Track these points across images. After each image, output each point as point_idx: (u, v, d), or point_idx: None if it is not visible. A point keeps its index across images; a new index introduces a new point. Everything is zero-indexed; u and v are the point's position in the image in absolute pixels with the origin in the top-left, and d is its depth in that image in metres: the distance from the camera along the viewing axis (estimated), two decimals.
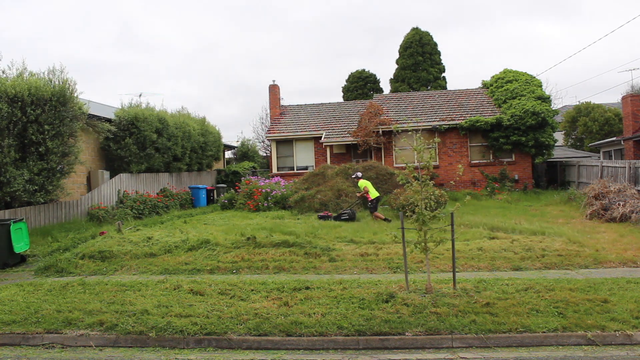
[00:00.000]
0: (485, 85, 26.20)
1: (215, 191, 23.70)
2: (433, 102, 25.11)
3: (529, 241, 9.95)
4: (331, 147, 23.72)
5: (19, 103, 11.97)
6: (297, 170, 24.47)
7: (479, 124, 21.87)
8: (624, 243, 10.00)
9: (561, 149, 29.03)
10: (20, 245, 10.25)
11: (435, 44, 37.14)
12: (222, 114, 67.65)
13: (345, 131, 23.84)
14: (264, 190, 18.55)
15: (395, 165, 22.17)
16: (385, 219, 13.70)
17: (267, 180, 20.48)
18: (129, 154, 17.49)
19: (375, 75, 41.06)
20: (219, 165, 29.11)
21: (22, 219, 10.58)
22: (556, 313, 5.88)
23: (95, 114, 16.65)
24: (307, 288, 7.15)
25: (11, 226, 10.01)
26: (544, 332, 5.46)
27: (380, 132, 22.37)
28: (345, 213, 14.15)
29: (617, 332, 5.40)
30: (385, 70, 78.63)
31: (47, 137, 12.58)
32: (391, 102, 25.76)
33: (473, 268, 8.38)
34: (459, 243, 9.66)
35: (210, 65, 71.35)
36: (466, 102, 24.47)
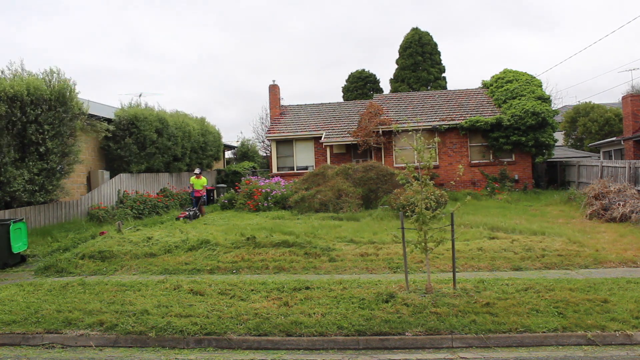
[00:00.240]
0: (485, 85, 26.20)
1: (215, 191, 23.70)
2: (433, 102, 25.11)
3: (529, 241, 9.95)
4: (331, 147, 23.72)
5: (18, 103, 11.96)
6: (297, 170, 24.47)
7: (479, 124, 21.87)
8: (624, 243, 10.00)
9: (561, 149, 29.03)
10: (18, 245, 10.24)
11: (435, 44, 37.13)
12: (223, 117, 70.22)
13: (345, 131, 23.84)
14: (264, 190, 18.55)
15: (395, 165, 22.17)
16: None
17: (267, 180, 20.49)
18: (128, 153, 17.49)
19: (375, 75, 41.06)
20: (219, 165, 29.11)
21: (22, 219, 10.58)
22: (556, 313, 5.88)
23: (95, 114, 16.65)
24: (307, 288, 7.15)
25: (11, 226, 10.01)
26: (544, 332, 5.46)
27: (380, 132, 22.37)
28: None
29: (617, 332, 5.40)
30: (385, 70, 79.37)
31: (46, 137, 12.58)
32: (391, 102, 25.76)
33: (473, 268, 8.38)
34: (459, 243, 9.66)
35: (212, 73, 73.67)
36: (466, 102, 24.47)
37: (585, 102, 33.42)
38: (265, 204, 18.00)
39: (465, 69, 67.50)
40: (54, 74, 13.41)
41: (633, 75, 55.93)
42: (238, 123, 62.28)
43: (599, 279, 7.35)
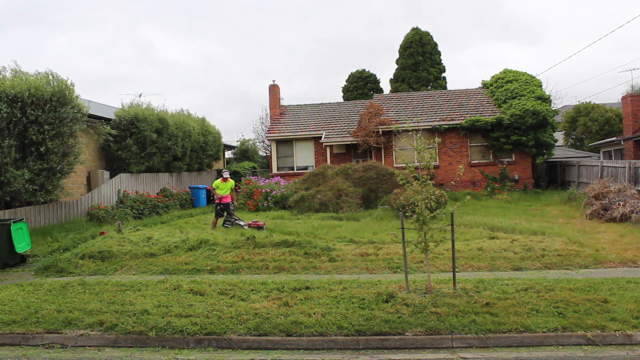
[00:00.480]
0: (485, 85, 26.21)
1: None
2: (433, 102, 25.11)
3: (529, 241, 9.94)
4: (331, 147, 23.72)
5: (19, 103, 11.97)
6: (297, 170, 24.47)
7: (479, 123, 21.87)
8: (624, 243, 9.99)
9: (561, 149, 29.03)
10: (21, 245, 10.26)
11: (436, 44, 37.13)
12: (224, 120, 72.49)
13: (345, 131, 23.84)
14: (263, 190, 18.55)
15: (395, 165, 22.18)
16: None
17: (267, 180, 20.50)
18: (129, 154, 17.49)
19: (375, 75, 41.06)
20: (219, 165, 29.10)
21: (23, 219, 10.59)
22: (556, 313, 5.88)
23: (96, 114, 16.65)
24: (307, 288, 7.15)
25: (11, 226, 10.01)
26: (544, 332, 5.46)
27: (380, 132, 22.37)
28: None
29: (617, 332, 5.40)
30: (385, 70, 79.81)
31: (47, 137, 12.58)
32: (391, 102, 25.77)
33: (473, 268, 8.38)
34: (459, 243, 9.66)
35: (215, 79, 75.54)
36: (466, 102, 24.47)
37: (586, 102, 33.43)
38: (265, 204, 18.00)
39: (458, 77, 67.96)
40: (50, 77, 13.38)
41: (633, 75, 55.97)
42: (238, 126, 63.87)
43: (599, 279, 7.35)
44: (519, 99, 22.19)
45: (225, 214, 13.38)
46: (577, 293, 6.53)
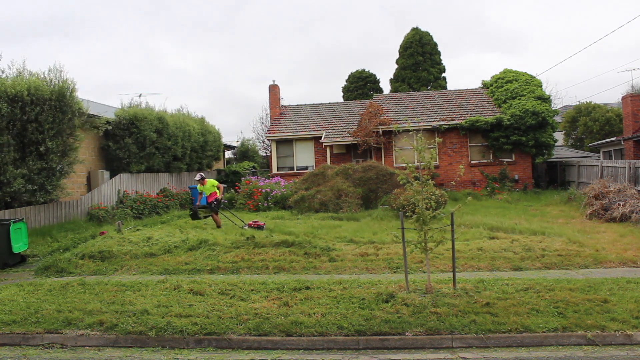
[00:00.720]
0: (485, 85, 26.20)
1: None
2: (433, 102, 25.11)
3: (529, 241, 9.94)
4: (331, 147, 23.72)
5: (19, 103, 11.96)
6: (297, 170, 24.47)
7: (479, 124, 21.87)
8: (624, 243, 9.99)
9: (561, 149, 29.03)
10: (18, 245, 10.24)
11: (436, 44, 37.12)
12: (225, 122, 74.61)
13: (345, 131, 23.84)
14: (264, 190, 18.55)
15: (395, 165, 22.18)
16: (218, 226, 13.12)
17: (267, 180, 20.49)
18: (128, 153, 17.49)
19: (375, 75, 41.04)
20: (219, 165, 29.10)
21: (22, 219, 10.58)
22: (556, 313, 5.88)
23: (96, 114, 16.65)
24: (307, 288, 7.15)
25: (11, 226, 10.01)
26: (544, 332, 5.46)
27: (380, 132, 22.37)
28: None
29: (617, 332, 5.40)
30: (385, 70, 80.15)
31: (46, 136, 12.58)
32: (391, 102, 25.76)
33: (473, 268, 8.38)
34: (459, 243, 9.66)
35: (216, 84, 78.69)
36: (466, 102, 24.47)
37: (586, 102, 33.43)
38: (265, 204, 18.00)
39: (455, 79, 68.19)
40: (57, 72, 13.40)
41: (633, 75, 55.99)
42: (238, 129, 65.04)
43: (599, 279, 7.35)
44: (519, 99, 22.20)
45: (217, 209, 13.78)
46: (577, 293, 6.53)
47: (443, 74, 37.34)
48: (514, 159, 22.35)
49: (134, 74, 79.35)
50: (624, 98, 24.02)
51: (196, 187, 21.55)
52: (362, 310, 6.15)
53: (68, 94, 13.36)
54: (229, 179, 26.18)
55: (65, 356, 5.59)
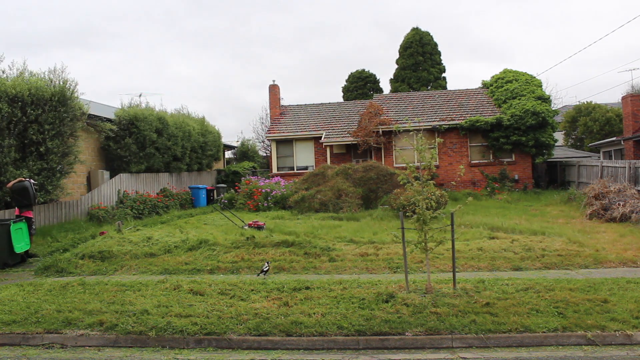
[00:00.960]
0: (485, 85, 26.21)
1: (215, 191, 23.70)
2: (433, 102, 25.12)
3: (529, 241, 9.94)
4: (331, 147, 23.72)
5: (19, 103, 11.96)
6: (297, 170, 24.47)
7: (479, 124, 21.88)
8: (624, 243, 10.00)
9: (561, 149, 29.03)
10: (20, 245, 10.25)
11: (436, 44, 37.14)
12: (225, 124, 76.41)
13: (345, 131, 23.85)
14: (264, 190, 18.55)
15: (395, 165, 22.18)
16: None
17: (267, 180, 20.50)
18: (128, 153, 17.49)
19: (375, 75, 41.07)
20: (219, 165, 29.11)
21: (22, 219, 10.58)
22: (556, 313, 5.88)
23: (96, 114, 16.65)
24: (307, 288, 7.15)
25: (11, 226, 10.01)
26: (544, 332, 5.46)
27: (380, 132, 22.38)
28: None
29: (617, 332, 5.40)
30: (385, 70, 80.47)
31: (47, 137, 12.58)
32: (391, 102, 25.77)
33: (473, 268, 8.38)
34: (459, 243, 9.65)
35: (218, 90, 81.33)
36: (466, 102, 24.48)
37: (587, 102, 33.43)
38: (265, 204, 18.00)
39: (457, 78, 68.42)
40: (57, 72, 13.41)
41: (633, 75, 55.99)
42: (238, 130, 66.21)
43: (599, 279, 7.35)
44: (519, 99, 22.20)
45: None
46: (577, 293, 6.53)
47: (443, 74, 37.35)
48: (514, 159, 22.36)
49: (142, 81, 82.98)
50: (623, 98, 24.02)
51: (197, 187, 21.76)
52: (362, 310, 6.15)
53: (69, 94, 13.36)
54: (229, 179, 26.20)
55: (65, 356, 5.59)
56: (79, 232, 12.69)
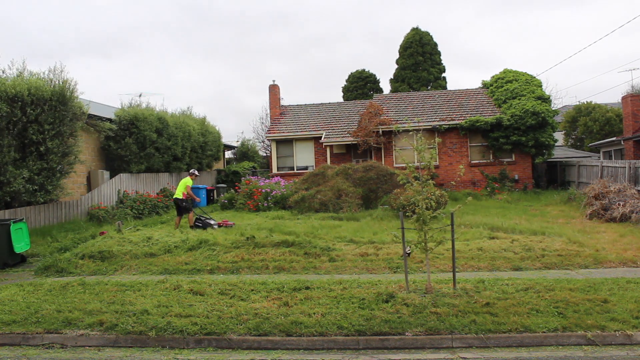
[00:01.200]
0: (485, 85, 26.20)
1: (215, 191, 23.70)
2: (433, 102, 25.11)
3: (529, 241, 9.94)
4: (331, 147, 23.72)
5: (19, 103, 11.96)
6: (297, 170, 24.47)
7: (479, 124, 21.87)
8: (624, 243, 10.00)
9: (561, 149, 29.04)
10: (20, 245, 10.25)
11: (435, 44, 37.13)
12: (225, 126, 77.15)
13: (345, 131, 23.84)
14: (264, 190, 18.55)
15: (395, 165, 22.18)
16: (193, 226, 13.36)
17: (267, 180, 20.49)
18: (128, 153, 17.49)
19: (375, 75, 41.06)
20: (219, 165, 29.11)
21: (22, 219, 10.58)
22: (556, 313, 5.88)
23: (96, 114, 16.65)
24: (307, 288, 7.15)
25: (11, 226, 10.01)
26: (544, 332, 5.46)
27: (380, 132, 22.38)
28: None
29: (617, 332, 5.40)
30: (385, 70, 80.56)
31: (47, 137, 12.58)
32: (391, 102, 25.77)
33: (473, 268, 8.38)
34: (459, 243, 9.66)
35: (220, 94, 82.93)
36: (466, 102, 24.47)
37: (587, 102, 33.43)
38: (265, 204, 18.00)
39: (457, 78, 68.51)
40: (57, 72, 13.41)
41: (633, 75, 56.00)
42: (238, 131, 66.46)
43: (599, 279, 7.35)
44: (519, 99, 22.19)
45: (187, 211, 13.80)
46: (577, 293, 6.54)
47: (443, 74, 37.34)
48: (514, 159, 22.35)
49: (148, 86, 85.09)
50: (624, 98, 24.02)
51: (197, 187, 21.73)
52: (362, 310, 6.15)
53: (68, 94, 13.36)
54: (229, 179, 26.20)
55: (65, 356, 5.59)
56: (79, 232, 12.69)
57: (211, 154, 24.62)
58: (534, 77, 23.76)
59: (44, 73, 13.34)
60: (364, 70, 41.02)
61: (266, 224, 13.09)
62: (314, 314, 6.08)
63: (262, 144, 39.13)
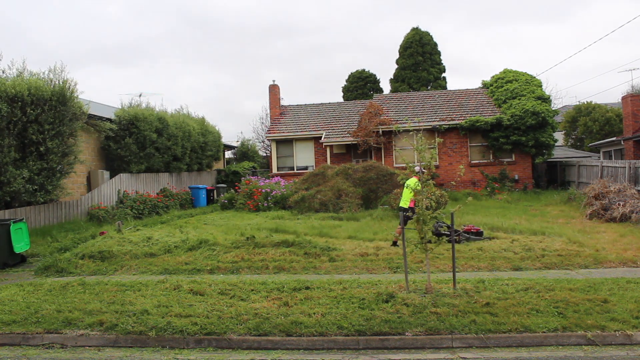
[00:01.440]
0: (485, 85, 26.20)
1: (215, 191, 23.70)
2: (433, 102, 25.11)
3: (529, 241, 9.95)
4: (331, 147, 23.72)
5: (19, 103, 11.96)
6: (297, 170, 24.47)
7: (479, 124, 21.87)
8: (624, 243, 10.00)
9: (561, 149, 29.03)
10: (20, 245, 10.24)
11: (435, 44, 37.12)
12: (225, 127, 77.70)
13: (345, 131, 23.84)
14: (264, 190, 18.55)
15: (395, 165, 22.18)
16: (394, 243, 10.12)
17: (267, 180, 20.49)
18: (128, 153, 17.49)
19: (375, 75, 41.04)
20: (219, 165, 29.10)
21: (22, 219, 10.57)
22: (556, 313, 5.88)
23: (96, 114, 16.65)
24: (307, 288, 7.15)
25: (11, 226, 10.00)
26: (544, 332, 5.46)
27: (380, 132, 22.38)
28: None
29: (617, 332, 5.40)
30: (385, 70, 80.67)
31: (47, 137, 12.58)
32: (391, 102, 25.77)
33: (473, 268, 8.38)
34: (459, 243, 9.65)
35: (221, 98, 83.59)
36: (466, 102, 24.47)
37: (587, 102, 33.43)
38: (265, 204, 18.00)
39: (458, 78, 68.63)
40: (57, 72, 13.40)
41: (633, 75, 56.00)
42: (238, 132, 66.84)
43: (599, 279, 7.35)
44: (519, 99, 22.19)
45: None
46: (577, 293, 6.54)
47: (443, 74, 37.34)
48: (514, 159, 22.35)
49: (152, 90, 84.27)
50: (623, 98, 24.02)
51: (197, 187, 21.72)
52: (362, 310, 6.15)
53: (68, 94, 13.36)
54: (229, 179, 26.20)
55: (65, 356, 5.59)
56: (79, 232, 12.69)
57: (211, 154, 24.61)
58: (534, 77, 23.76)
59: (43, 73, 13.36)
60: (364, 70, 41.01)
61: (266, 224, 13.10)
62: (314, 314, 6.07)
63: (262, 144, 39.15)
